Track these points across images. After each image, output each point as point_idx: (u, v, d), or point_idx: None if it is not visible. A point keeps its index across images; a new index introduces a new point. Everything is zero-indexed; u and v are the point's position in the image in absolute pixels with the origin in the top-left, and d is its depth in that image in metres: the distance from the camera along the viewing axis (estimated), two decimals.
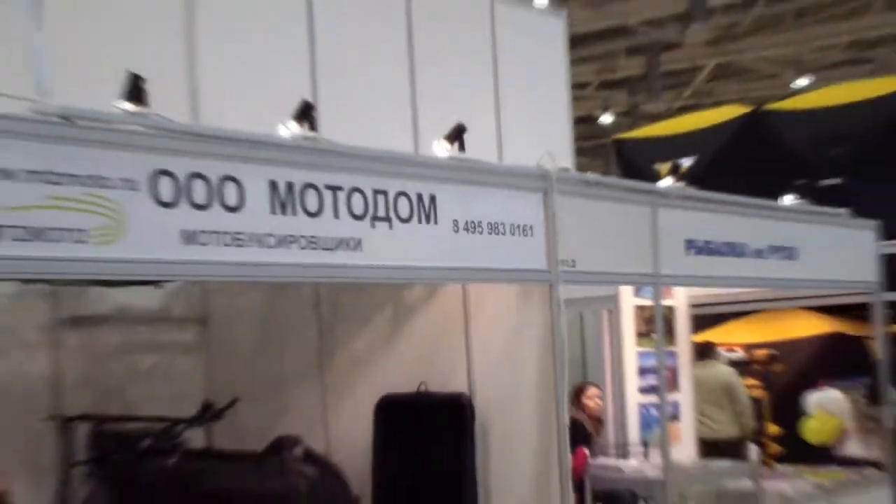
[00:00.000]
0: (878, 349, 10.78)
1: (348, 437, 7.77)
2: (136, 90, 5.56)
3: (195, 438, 7.64)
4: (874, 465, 11.10)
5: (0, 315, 7.14)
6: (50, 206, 4.80)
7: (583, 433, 7.30)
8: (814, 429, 13.38)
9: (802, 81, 28.03)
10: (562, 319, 7.13)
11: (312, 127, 6.32)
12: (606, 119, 30.14)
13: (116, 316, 7.86)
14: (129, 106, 5.51)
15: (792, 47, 27.42)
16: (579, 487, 7.53)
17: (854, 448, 13.07)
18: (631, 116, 29.40)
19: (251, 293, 8.23)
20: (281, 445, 7.36)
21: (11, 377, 7.23)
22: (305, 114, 6.33)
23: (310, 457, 7.40)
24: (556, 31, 11.33)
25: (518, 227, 6.93)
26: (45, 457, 7.24)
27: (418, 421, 7.53)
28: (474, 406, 7.42)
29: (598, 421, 8.79)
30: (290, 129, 6.24)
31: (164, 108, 5.70)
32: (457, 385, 7.54)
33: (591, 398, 8.46)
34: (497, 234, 6.80)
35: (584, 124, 25.64)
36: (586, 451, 7.93)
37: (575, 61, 11.64)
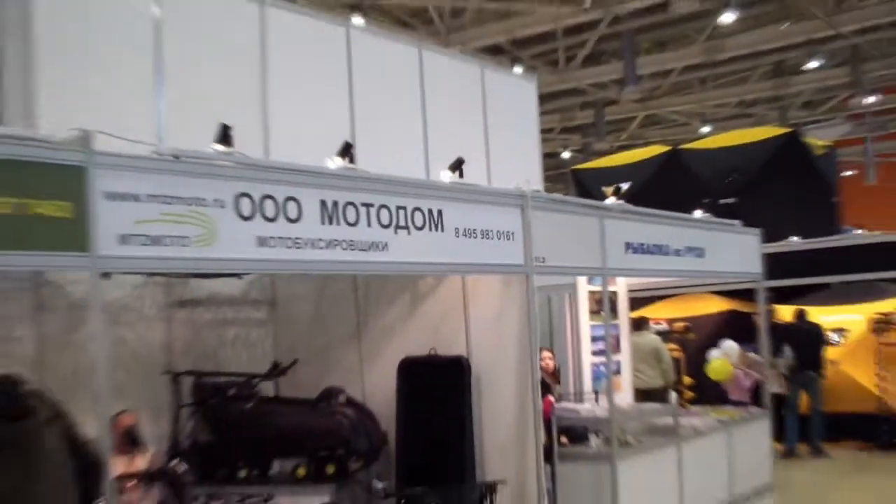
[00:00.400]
0: (761, 321, 10.95)
1: (378, 389, 7.74)
2: (225, 135, 5.56)
3: (266, 389, 7.64)
4: (757, 404, 11.21)
5: (130, 298, 7.16)
6: (163, 220, 4.83)
7: (543, 384, 7.31)
8: (715, 368, 13.68)
9: (705, 129, 28.32)
10: (534, 301, 7.14)
11: (351, 160, 6.32)
12: (566, 155, 30.26)
13: (209, 299, 7.86)
14: (220, 147, 5.50)
15: (697, 104, 27.64)
16: (547, 425, 7.51)
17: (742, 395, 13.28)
18: (584, 153, 29.43)
19: (306, 282, 8.22)
20: (329, 394, 7.39)
21: (138, 343, 7.24)
22: (346, 151, 6.32)
23: (350, 402, 7.42)
24: (529, 91, 11.34)
25: (502, 233, 6.93)
26: (161, 401, 7.23)
27: (430, 377, 7.50)
28: (471, 366, 7.43)
29: (551, 375, 8.76)
30: (335, 162, 6.24)
31: (244, 147, 5.71)
32: (458, 350, 7.53)
33: (544, 359, 8.45)
34: (487, 238, 6.80)
35: (549, 158, 25.67)
36: (552, 398, 7.93)
37: (543, 113, 11.67)
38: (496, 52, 20.69)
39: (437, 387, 7.42)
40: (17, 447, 3.90)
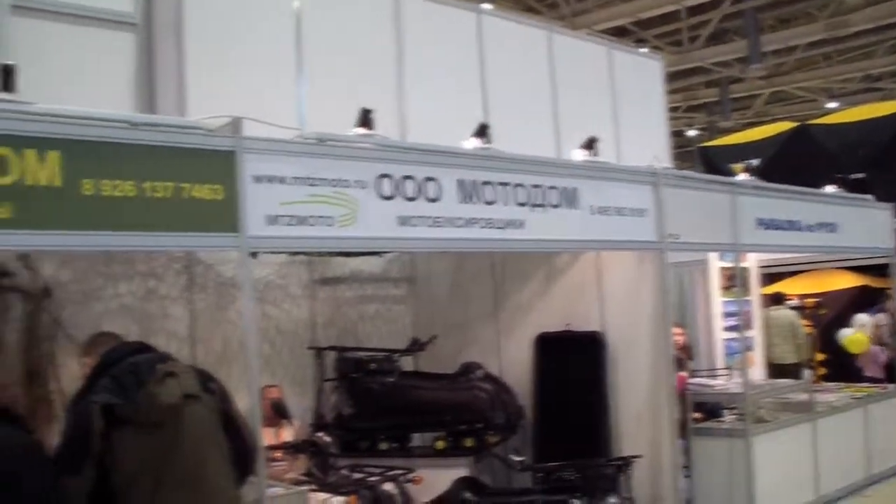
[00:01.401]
0: (894, 296, 10.65)
1: (515, 363, 7.66)
2: (366, 119, 5.53)
3: (406, 363, 7.62)
4: (892, 381, 10.76)
5: (275, 277, 7.24)
6: (309, 202, 4.84)
7: (675, 360, 7.14)
8: (853, 340, 13.22)
9: (832, 104, 27.29)
10: (668, 277, 6.97)
11: (487, 140, 6.22)
12: (691, 133, 29.63)
13: (351, 277, 7.89)
14: (361, 130, 5.48)
15: (823, 80, 26.63)
16: (681, 400, 7.32)
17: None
18: (709, 131, 28.74)
19: (444, 259, 8.17)
20: (467, 369, 7.34)
21: (283, 319, 7.32)
22: (482, 132, 6.24)
23: (488, 377, 7.35)
24: (656, 70, 11.02)
25: (635, 209, 6.79)
26: (306, 374, 7.30)
27: (566, 351, 7.39)
28: (606, 341, 7.27)
29: (683, 350, 8.54)
30: (471, 143, 6.16)
31: (384, 130, 5.68)
32: (592, 325, 7.40)
33: (676, 335, 8.22)
34: (620, 215, 6.68)
35: (675, 137, 25.12)
36: (685, 374, 7.73)
37: (667, 92, 11.32)
38: (621, 34, 20.30)
39: (573, 361, 7.31)
40: (166, 425, 3.90)
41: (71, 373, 5.55)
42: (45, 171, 3.99)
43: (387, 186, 5.19)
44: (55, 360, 5.63)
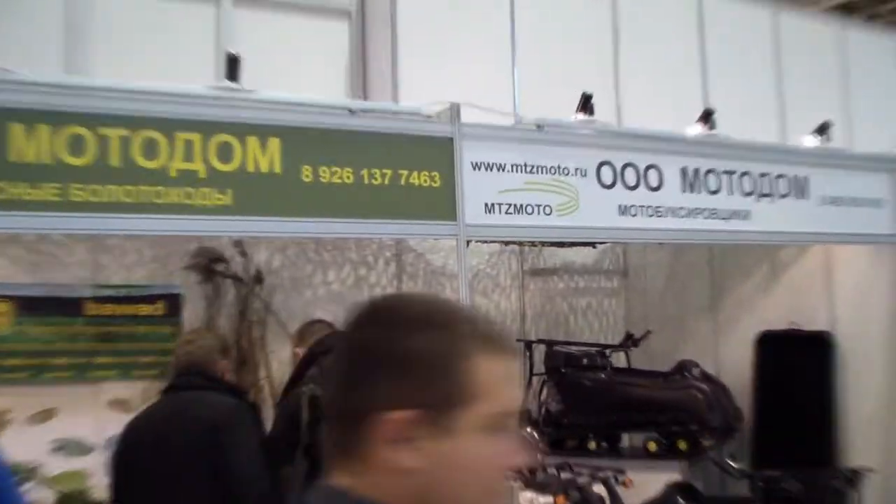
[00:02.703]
0: None
1: (733, 362, 7.32)
2: (586, 104, 5.38)
3: (617, 359, 7.42)
4: None
5: (485, 266, 7.23)
6: (527, 189, 4.78)
7: None
8: None
9: None
10: None
11: (712, 127, 5.96)
12: None
13: (562, 268, 7.77)
14: (581, 116, 5.34)
15: None
16: None
17: None
18: None
19: (659, 251, 7.90)
20: (683, 367, 7.04)
21: (492, 310, 7.29)
22: (706, 117, 5.98)
23: (704, 376, 7.03)
24: (891, 48, 10.32)
25: (871, 200, 6.35)
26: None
27: (790, 351, 6.99)
28: (836, 341, 6.87)
29: None
30: (695, 129, 5.92)
31: (600, 116, 5.52)
32: (818, 324, 6.96)
33: None
34: (855, 206, 6.25)
35: None
36: None
37: None
38: (851, 10, 19.23)
39: (799, 362, 6.92)
40: None
41: (281, 359, 5.74)
42: (265, 158, 4.09)
43: (607, 174, 5.06)
44: (266, 347, 5.82)
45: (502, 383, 1.48)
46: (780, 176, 5.88)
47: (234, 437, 3.90)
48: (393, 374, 1.43)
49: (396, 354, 1.44)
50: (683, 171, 5.38)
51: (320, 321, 4.84)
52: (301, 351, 4.52)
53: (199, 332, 5.13)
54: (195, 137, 3.97)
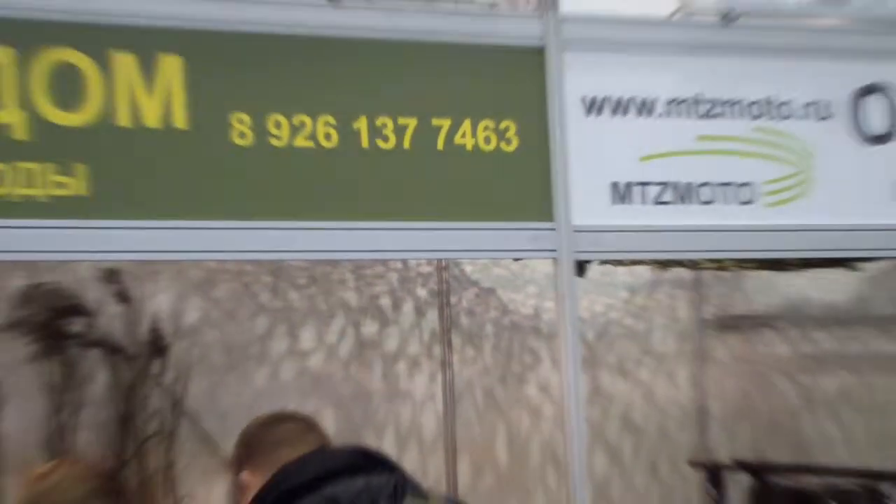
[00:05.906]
0: None
1: None
2: None
3: None
4: None
5: (624, 311, 4.72)
6: (702, 152, 2.76)
7: None
8: None
9: None
10: None
11: None
12: None
13: (785, 314, 5.04)
14: None
15: None
16: None
17: None
18: None
19: None
20: None
21: (637, 400, 4.86)
22: None
23: None
24: None
25: None
26: None
27: None
28: None
29: None
30: None
31: None
32: None
33: None
34: None
35: None
36: None
37: None
38: None
39: None
40: None
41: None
42: (156, 98, 2.36)
43: (877, 115, 2.75)
44: (176, 485, 3.46)
45: None
46: None
47: None
48: None
49: None
50: None
51: (290, 417, 2.59)
52: (252, 480, 2.32)
53: (54, 466, 2.86)
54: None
